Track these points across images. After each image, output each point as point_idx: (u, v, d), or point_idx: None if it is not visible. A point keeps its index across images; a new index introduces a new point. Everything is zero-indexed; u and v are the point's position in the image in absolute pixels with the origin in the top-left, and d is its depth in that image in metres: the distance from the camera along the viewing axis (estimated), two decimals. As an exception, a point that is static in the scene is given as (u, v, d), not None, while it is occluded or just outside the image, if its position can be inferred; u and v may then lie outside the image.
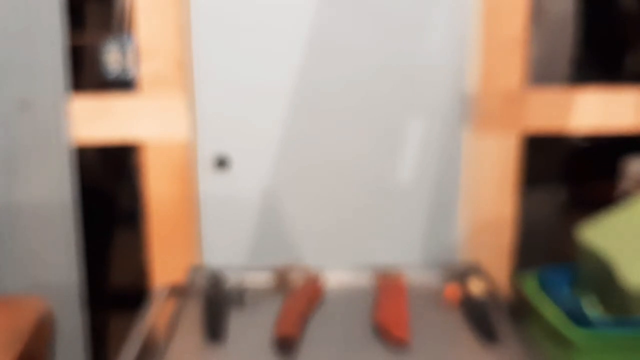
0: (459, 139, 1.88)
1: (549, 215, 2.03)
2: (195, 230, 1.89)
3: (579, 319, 1.58)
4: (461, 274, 1.81)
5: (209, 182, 1.89)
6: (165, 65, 1.75)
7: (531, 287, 1.77)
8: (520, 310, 1.74)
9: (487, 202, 1.89)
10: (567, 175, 2.04)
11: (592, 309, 1.66)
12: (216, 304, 1.68)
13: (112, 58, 1.98)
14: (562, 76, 1.90)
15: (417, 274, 1.84)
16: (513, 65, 1.78)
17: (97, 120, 1.78)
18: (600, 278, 1.63)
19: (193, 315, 1.65)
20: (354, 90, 1.85)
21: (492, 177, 1.86)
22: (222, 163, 1.88)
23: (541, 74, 1.86)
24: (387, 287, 1.75)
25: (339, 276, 1.84)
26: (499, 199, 1.87)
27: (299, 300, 1.66)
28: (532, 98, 1.81)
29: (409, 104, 1.87)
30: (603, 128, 1.85)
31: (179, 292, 1.79)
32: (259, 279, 1.82)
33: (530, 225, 1.95)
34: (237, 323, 1.61)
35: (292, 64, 1.82)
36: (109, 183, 2.06)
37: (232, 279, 1.80)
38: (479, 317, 1.60)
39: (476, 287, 1.72)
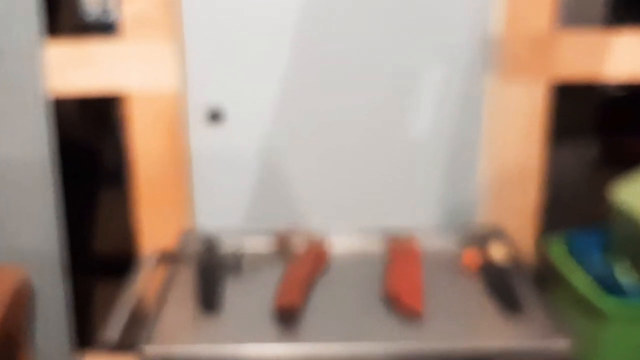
0: (480, 87, 1.85)
1: (579, 172, 2.02)
2: (186, 191, 1.87)
3: (611, 287, 1.60)
4: (481, 237, 1.80)
5: (201, 137, 1.86)
6: (151, 6, 1.70)
7: (558, 252, 1.77)
8: (545, 278, 1.74)
9: (511, 158, 1.86)
10: (601, 128, 2.02)
11: (625, 276, 1.68)
12: (210, 271, 1.67)
13: (91, -3, 2.05)
14: (596, 17, 1.88)
15: (433, 237, 1.83)
16: (542, 5, 1.74)
17: (75, 68, 1.76)
18: (635, 242, 1.62)
19: (185, 284, 1.65)
20: (364, 30, 1.80)
21: (517, 129, 1.83)
22: (215, 116, 1.84)
23: (573, 15, 1.81)
24: (399, 252, 1.73)
25: (345, 240, 1.82)
26: (524, 154, 1.85)
27: (302, 267, 1.65)
28: (562, 42, 1.78)
29: (426, 47, 1.82)
30: (640, 75, 1.86)
31: (169, 258, 1.78)
32: (257, 243, 1.80)
33: (559, 183, 1.93)
34: (233, 292, 1.60)
35: (294, 1, 1.77)
36: (90, 138, 2.06)
37: (228, 244, 1.79)
38: (501, 285, 1.59)
39: (497, 252, 1.71)
